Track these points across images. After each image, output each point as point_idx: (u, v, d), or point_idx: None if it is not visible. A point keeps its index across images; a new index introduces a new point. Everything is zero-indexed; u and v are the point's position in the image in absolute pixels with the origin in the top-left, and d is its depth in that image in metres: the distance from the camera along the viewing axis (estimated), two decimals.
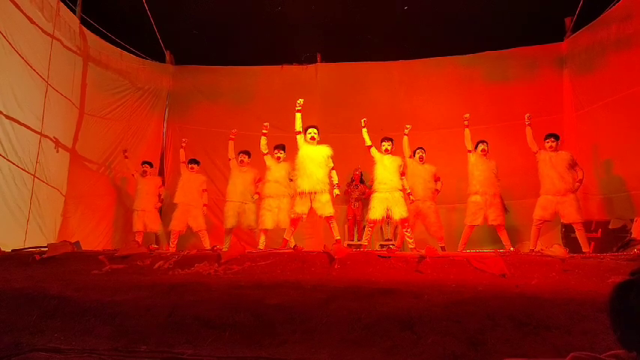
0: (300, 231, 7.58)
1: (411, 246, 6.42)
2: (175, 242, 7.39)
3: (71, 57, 7.84)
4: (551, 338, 2.73)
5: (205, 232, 7.53)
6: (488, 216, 6.69)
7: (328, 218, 6.13)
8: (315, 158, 6.10)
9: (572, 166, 6.31)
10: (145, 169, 7.96)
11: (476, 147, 6.85)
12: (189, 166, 7.65)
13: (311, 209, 6.12)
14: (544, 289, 3.64)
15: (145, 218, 7.74)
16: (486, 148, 6.84)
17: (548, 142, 6.43)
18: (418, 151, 7.13)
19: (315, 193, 6.03)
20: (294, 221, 6.30)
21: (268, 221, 6.73)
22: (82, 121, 8.11)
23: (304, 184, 6.04)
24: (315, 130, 6.25)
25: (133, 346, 2.92)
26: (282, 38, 9.16)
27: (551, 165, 6.31)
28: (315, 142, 6.23)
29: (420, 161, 7.09)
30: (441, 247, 6.93)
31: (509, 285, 3.83)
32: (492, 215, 6.67)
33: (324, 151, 6.18)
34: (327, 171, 6.16)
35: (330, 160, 6.21)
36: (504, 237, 6.70)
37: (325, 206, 6.06)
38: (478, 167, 6.78)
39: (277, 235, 7.04)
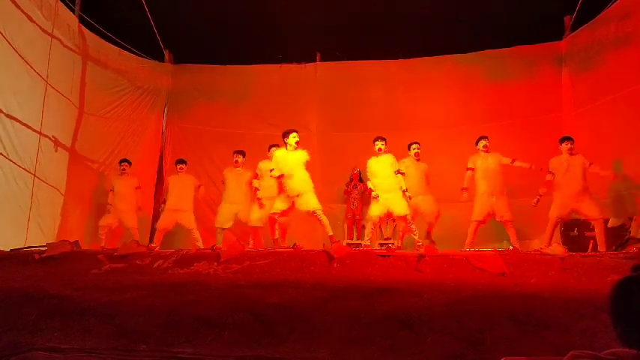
0: (299, 230, 7.58)
1: (419, 243, 6.27)
2: (160, 240, 7.35)
3: (70, 56, 7.83)
4: (550, 337, 2.73)
5: (197, 230, 7.51)
6: (496, 212, 6.58)
7: (313, 213, 5.91)
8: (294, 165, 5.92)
9: (588, 166, 6.23)
10: (123, 167, 7.70)
11: (477, 143, 6.82)
12: (178, 166, 7.64)
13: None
14: (543, 287, 3.64)
15: (121, 216, 7.58)
16: (487, 144, 6.79)
17: (567, 145, 6.28)
18: (414, 146, 7.07)
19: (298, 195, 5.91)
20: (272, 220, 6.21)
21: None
22: (81, 120, 8.11)
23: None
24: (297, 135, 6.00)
25: (132, 345, 2.93)
26: (281, 37, 9.14)
27: (569, 167, 6.21)
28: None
29: (416, 157, 7.04)
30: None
31: (509, 284, 3.84)
32: (500, 211, 6.55)
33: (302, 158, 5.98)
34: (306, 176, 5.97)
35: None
36: (512, 233, 6.57)
37: (309, 202, 5.87)
38: (481, 163, 6.73)
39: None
